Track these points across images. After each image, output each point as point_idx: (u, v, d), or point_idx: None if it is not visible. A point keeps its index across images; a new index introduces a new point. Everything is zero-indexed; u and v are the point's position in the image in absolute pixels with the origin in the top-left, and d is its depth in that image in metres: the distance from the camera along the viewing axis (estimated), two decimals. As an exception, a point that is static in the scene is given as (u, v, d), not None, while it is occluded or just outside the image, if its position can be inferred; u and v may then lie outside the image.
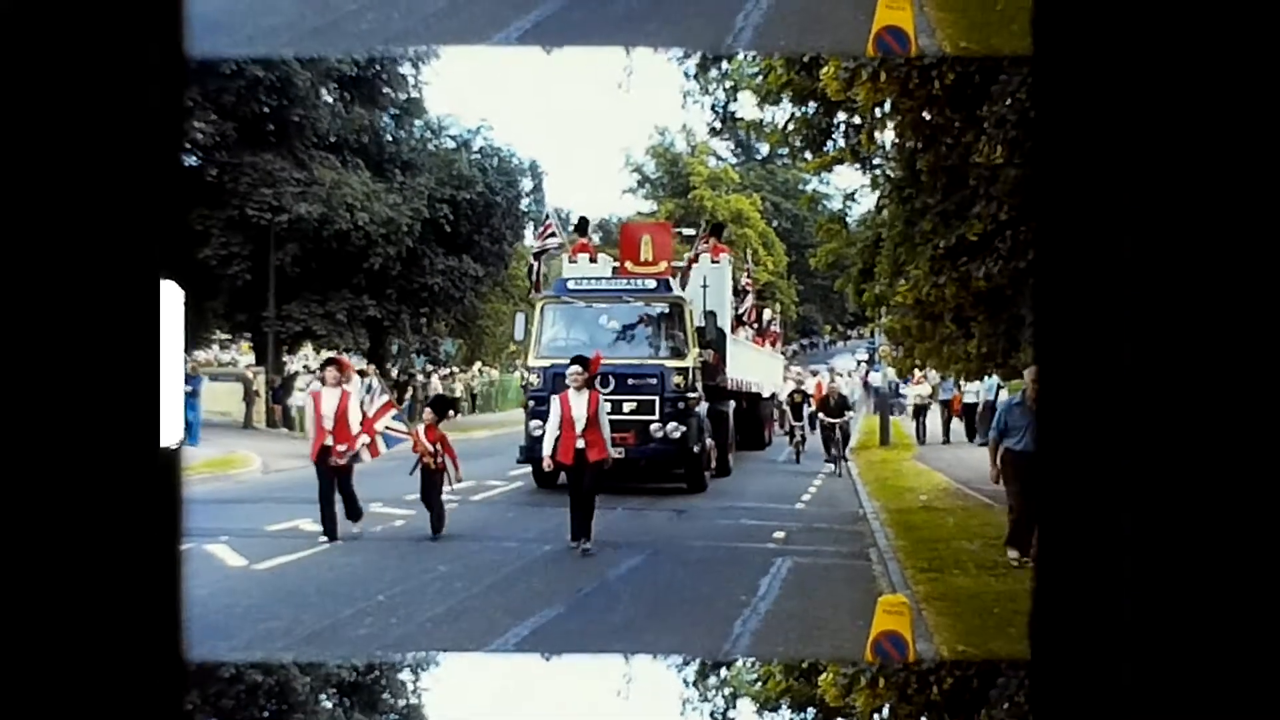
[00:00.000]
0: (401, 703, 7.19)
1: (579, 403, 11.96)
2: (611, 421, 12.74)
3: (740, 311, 23.07)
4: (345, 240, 27.25)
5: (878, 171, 15.82)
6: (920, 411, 25.85)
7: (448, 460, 12.57)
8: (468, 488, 16.01)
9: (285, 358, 30.72)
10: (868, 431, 26.57)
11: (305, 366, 27.94)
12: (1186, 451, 2.95)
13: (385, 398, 13.67)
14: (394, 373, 31.84)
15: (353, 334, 29.18)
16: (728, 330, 19.63)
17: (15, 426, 2.89)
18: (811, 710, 6.85)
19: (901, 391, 28.41)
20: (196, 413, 21.14)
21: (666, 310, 17.35)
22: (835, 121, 14.49)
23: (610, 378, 15.58)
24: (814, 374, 28.27)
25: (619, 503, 14.75)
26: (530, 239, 27.65)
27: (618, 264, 20.41)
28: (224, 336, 34.78)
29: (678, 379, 16.61)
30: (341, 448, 12.22)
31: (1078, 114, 2.99)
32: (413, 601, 9.55)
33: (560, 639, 8.68)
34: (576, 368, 12.18)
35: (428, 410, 13.40)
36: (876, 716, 6.36)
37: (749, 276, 26.52)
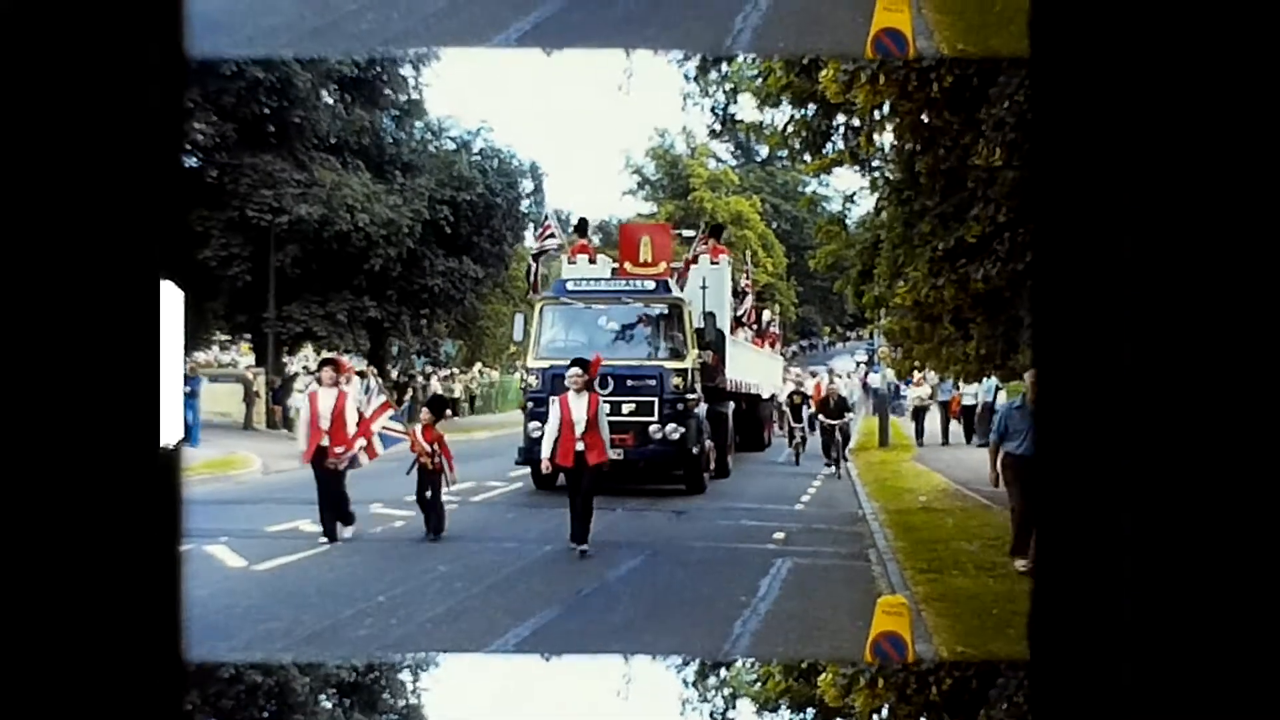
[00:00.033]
0: (401, 703, 7.19)
1: (578, 405, 11.94)
2: (610, 423, 12.72)
3: (739, 313, 23.08)
4: (345, 241, 27.27)
5: (877, 174, 15.82)
6: (919, 413, 25.84)
7: (444, 461, 12.56)
8: (468, 488, 16.02)
9: (285, 359, 30.72)
10: (867, 433, 26.57)
11: (305, 368, 27.92)
12: (1186, 452, 2.95)
13: (382, 398, 13.67)
14: (394, 374, 31.85)
15: (353, 335, 29.18)
16: (727, 331, 19.62)
17: (16, 427, 2.89)
18: (811, 710, 6.85)
19: (903, 393, 28.40)
20: (196, 414, 21.15)
21: (665, 311, 17.33)
22: (834, 124, 14.49)
23: (609, 379, 15.57)
24: (813, 375, 28.26)
25: (618, 504, 14.75)
26: (530, 240, 27.67)
27: (617, 265, 20.41)
28: (224, 337, 34.79)
29: (677, 380, 16.59)
30: (339, 449, 12.21)
31: (1075, 116, 3.00)
32: (413, 602, 9.55)
33: (560, 639, 8.68)
34: (576, 370, 12.16)
35: (425, 410, 13.40)
36: (876, 717, 6.36)
37: (748, 278, 26.54)
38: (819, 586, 10.58)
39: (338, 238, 27.08)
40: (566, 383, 12.29)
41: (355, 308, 28.62)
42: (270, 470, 18.68)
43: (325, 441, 12.21)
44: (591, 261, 20.20)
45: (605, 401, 12.75)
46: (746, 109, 21.93)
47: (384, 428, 12.75)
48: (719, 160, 46.68)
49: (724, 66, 19.73)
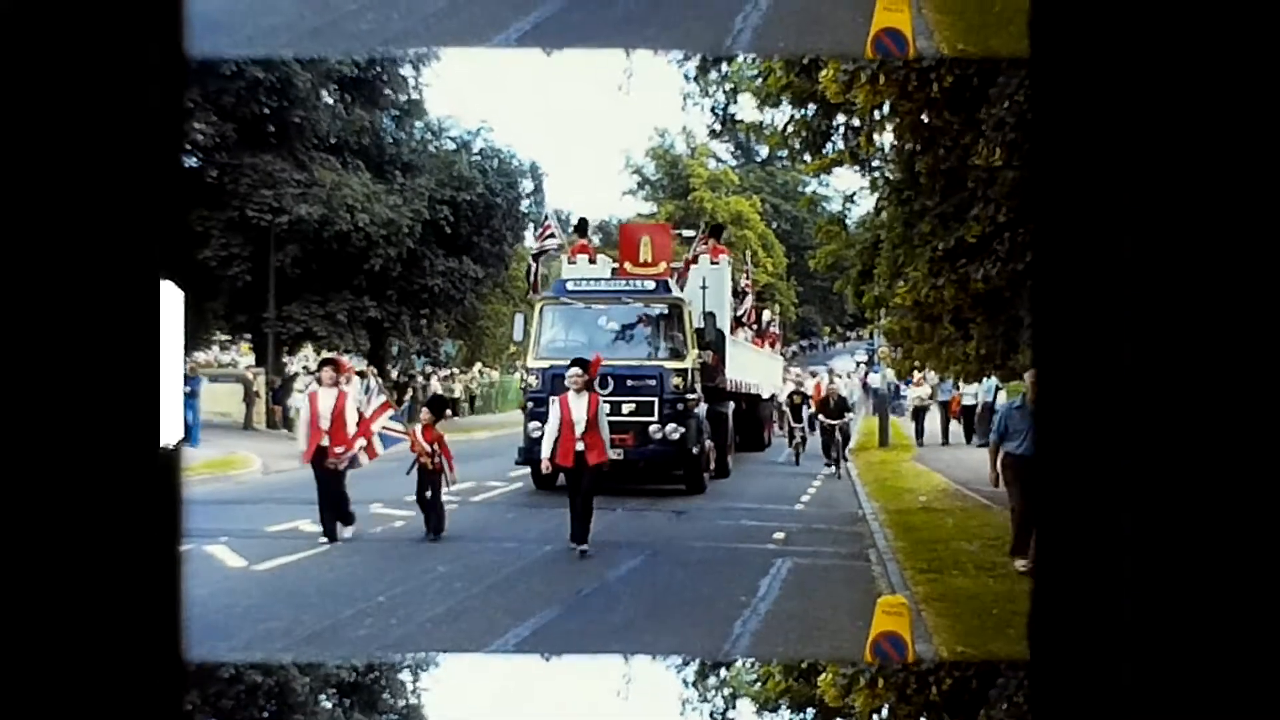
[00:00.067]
0: (401, 703, 7.20)
1: (578, 405, 11.93)
2: (610, 423, 12.70)
3: (739, 313, 23.06)
4: (345, 241, 27.26)
5: (877, 174, 15.81)
6: (919, 413, 25.82)
7: (444, 461, 12.56)
8: (468, 488, 16.02)
9: (285, 359, 30.71)
10: (867, 433, 26.56)
11: (305, 368, 27.91)
12: (1186, 452, 2.95)
13: (382, 398, 13.66)
14: (394, 374, 31.84)
15: (353, 335, 29.18)
16: (727, 331, 19.60)
17: (16, 427, 2.89)
18: (811, 710, 6.85)
19: (903, 393, 28.37)
20: (195, 414, 21.14)
21: (665, 311, 17.30)
22: (834, 124, 14.49)
23: (609, 379, 15.55)
24: (813, 375, 28.24)
25: (618, 504, 14.75)
26: (530, 240, 27.66)
27: (617, 265, 20.40)
28: (224, 337, 34.79)
29: (677, 380, 16.57)
30: (339, 449, 12.20)
31: (1075, 116, 3.00)
32: (412, 602, 9.55)
33: (560, 639, 8.68)
34: (576, 370, 12.15)
35: (424, 411, 13.39)
36: (876, 717, 6.36)
37: (748, 278, 26.53)
38: (819, 586, 10.58)
39: (338, 238, 27.08)
40: (566, 383, 12.28)
41: (355, 308, 28.62)
42: (270, 470, 18.68)
43: (325, 441, 12.20)
44: (591, 261, 20.17)
45: (605, 401, 12.73)
46: (746, 109, 21.95)
47: (384, 428, 12.74)
48: (719, 160, 46.68)
49: (724, 66, 19.73)
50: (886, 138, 13.45)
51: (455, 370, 34.71)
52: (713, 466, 17.68)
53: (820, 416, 20.64)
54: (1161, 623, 2.97)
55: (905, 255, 12.93)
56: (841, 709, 6.49)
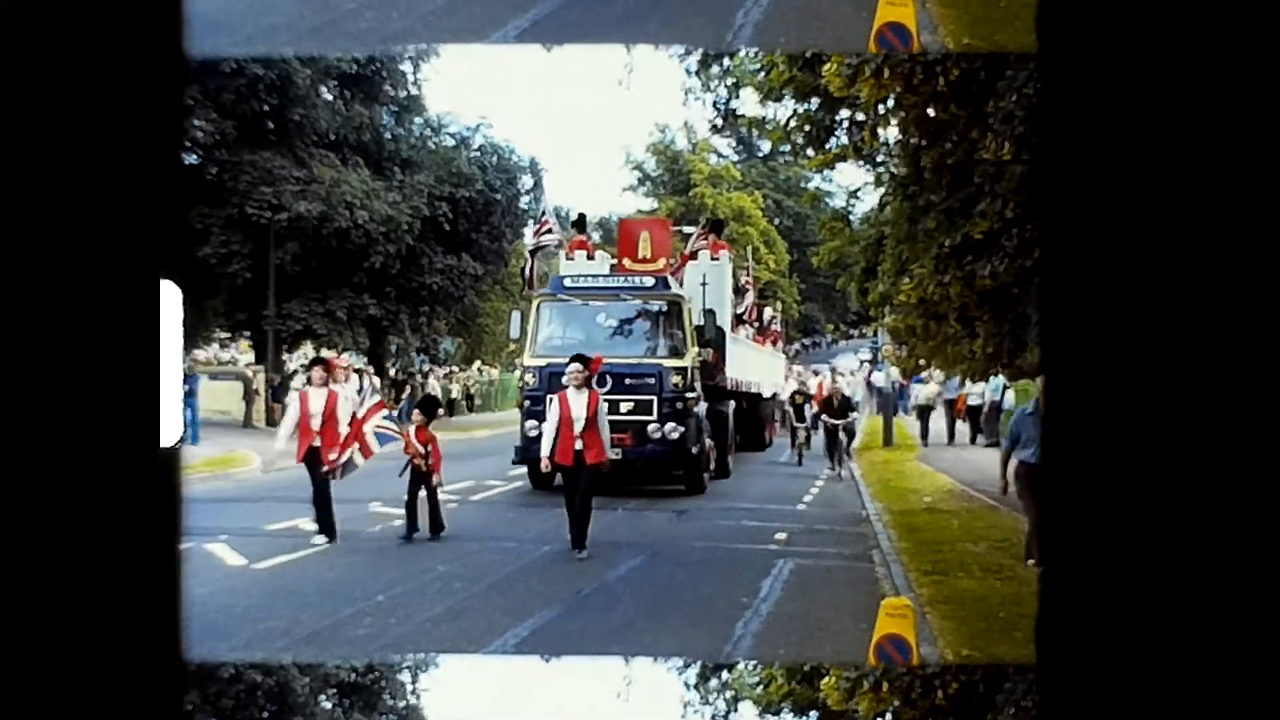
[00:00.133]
0: (401, 703, 7.20)
1: (578, 402, 11.86)
2: (609, 422, 12.64)
3: (740, 310, 22.95)
4: (345, 238, 27.21)
5: (881, 169, 15.79)
6: (924, 412, 25.75)
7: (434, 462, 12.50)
8: (467, 487, 15.99)
9: (285, 356, 30.68)
10: (871, 432, 26.50)
11: (304, 365, 27.88)
12: (1193, 455, 2.92)
13: (377, 398, 13.60)
14: (393, 372, 31.80)
15: (352, 333, 29.12)
16: (727, 329, 19.46)
17: (16, 426, 2.87)
18: (814, 714, 6.84)
19: (910, 390, 28.25)
20: (194, 412, 21.10)
21: (665, 308, 17.16)
22: (838, 118, 14.45)
23: (607, 377, 15.42)
24: (815, 374, 28.16)
25: (618, 504, 14.71)
26: (529, 236, 27.61)
27: (615, 261, 20.33)
28: (224, 335, 34.74)
29: (676, 378, 16.47)
30: (333, 455, 12.14)
31: (1084, 110, 2.97)
32: (412, 602, 9.53)
33: (560, 640, 8.66)
34: (576, 366, 12.08)
35: (416, 412, 13.32)
36: (879, 721, 6.34)
37: (749, 274, 26.45)
38: (821, 588, 10.55)
39: (337, 235, 27.03)
40: (565, 379, 12.22)
41: (355, 305, 28.56)
42: (270, 468, 18.63)
43: (317, 442, 12.14)
44: (590, 257, 20.05)
45: (603, 400, 12.66)
46: (748, 104, 22.00)
47: (378, 427, 12.69)
48: (720, 156, 46.56)
49: (726, 61, 19.71)
50: (891, 132, 13.41)
51: (454, 368, 34.66)
52: (713, 466, 17.56)
53: (824, 416, 20.47)
54: (1168, 627, 2.95)
55: (910, 252, 12.89)
56: (845, 713, 6.46)
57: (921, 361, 16.68)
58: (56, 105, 2.90)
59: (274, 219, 26.49)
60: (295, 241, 27.12)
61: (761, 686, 7.66)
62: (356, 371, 20.79)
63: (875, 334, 31.15)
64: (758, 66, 16.17)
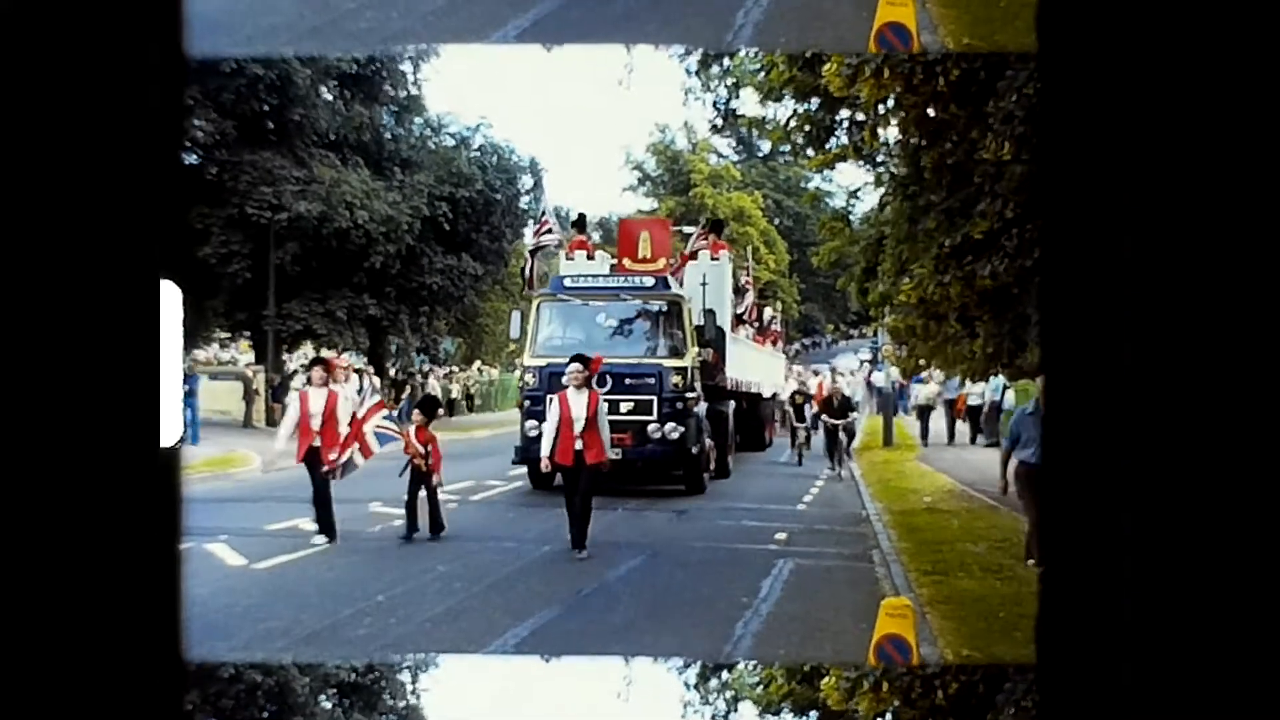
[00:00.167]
0: (401, 703, 7.20)
1: (578, 402, 11.84)
2: (608, 422, 12.60)
3: (740, 310, 22.91)
4: (345, 238, 27.20)
5: (881, 169, 15.78)
6: (924, 412, 25.73)
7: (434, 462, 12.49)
8: (467, 487, 15.99)
9: (285, 356, 30.67)
10: (871, 432, 26.47)
11: (304, 365, 27.85)
12: (1192, 455, 2.92)
13: (376, 398, 13.59)
14: (393, 372, 31.79)
15: (353, 333, 29.11)
16: (727, 329, 19.43)
17: (16, 426, 2.87)
18: (814, 714, 6.84)
19: (912, 390, 28.21)
20: (194, 412, 21.09)
21: (665, 308, 17.11)
22: (838, 118, 14.44)
23: (607, 377, 15.36)
24: (815, 374, 28.13)
25: (618, 504, 14.70)
26: (529, 236, 27.58)
27: (615, 261, 20.30)
28: (224, 335, 34.73)
29: (676, 378, 16.44)
30: (333, 456, 12.13)
31: (1084, 110, 2.97)
32: (412, 602, 9.53)
33: (560, 640, 8.66)
34: (576, 365, 12.06)
35: (416, 412, 13.31)
36: (879, 721, 6.34)
37: (749, 274, 26.43)
38: (821, 588, 10.55)
39: (337, 235, 27.02)
40: (566, 379, 12.20)
41: (355, 305, 28.55)
42: (270, 468, 18.62)
43: (317, 442, 12.13)
44: (590, 257, 20.01)
45: (603, 400, 12.63)
46: (748, 104, 22.00)
47: (378, 427, 12.68)
48: (720, 156, 46.53)
49: (726, 61, 19.69)
50: (891, 132, 13.39)
51: (455, 368, 34.66)
52: (713, 466, 17.51)
53: (824, 416, 20.42)
54: (1169, 627, 2.95)
55: (910, 252, 12.88)
56: (845, 713, 6.46)
57: (921, 361, 16.67)
58: (57, 105, 2.90)
59: (274, 219, 26.48)
60: (295, 241, 27.12)
61: (761, 686, 7.66)
62: (356, 371, 20.78)
63: (875, 334, 31.12)
64: (758, 66, 16.17)
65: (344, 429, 12.26)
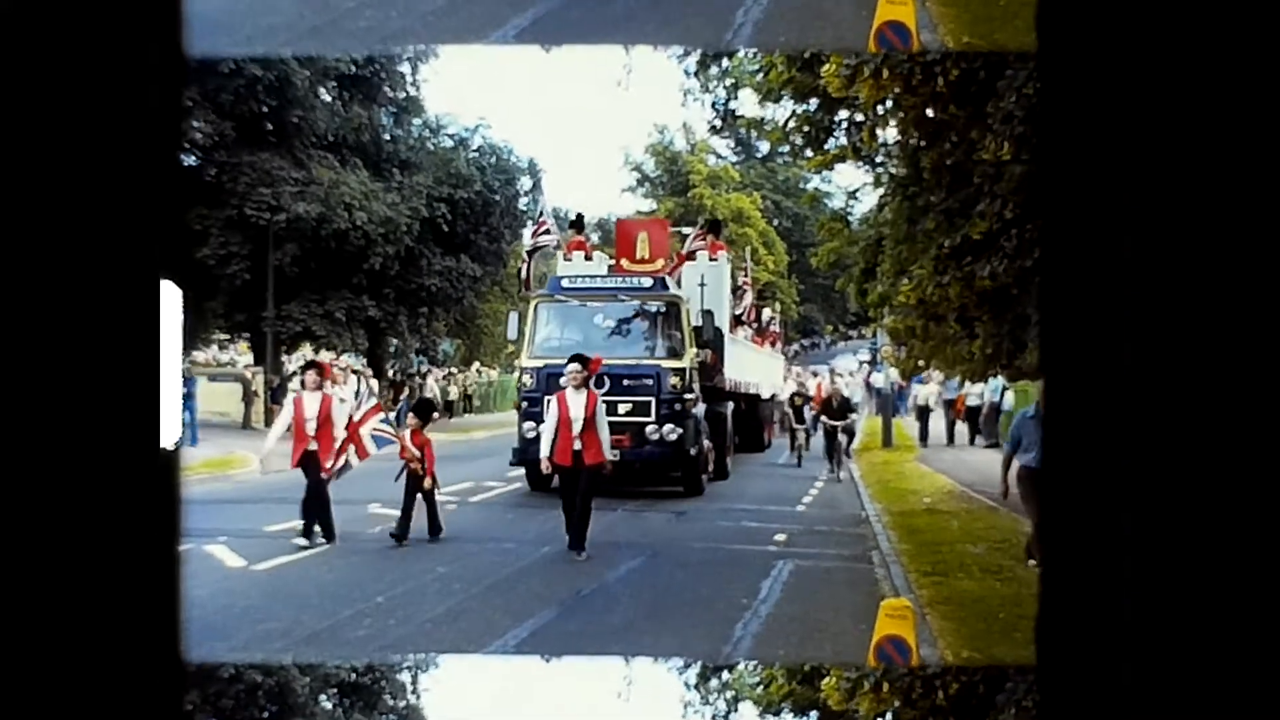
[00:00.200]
0: (401, 704, 7.19)
1: (576, 403, 11.82)
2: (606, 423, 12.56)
3: (739, 311, 22.92)
4: (344, 240, 27.22)
5: (880, 169, 15.79)
6: (923, 413, 25.73)
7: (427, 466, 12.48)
8: (466, 488, 16.00)
9: (284, 358, 30.68)
10: (870, 433, 26.49)
11: (298, 369, 27.83)
12: (1193, 455, 2.92)
13: (374, 400, 13.59)
14: (391, 373, 31.79)
15: (351, 334, 29.12)
16: (726, 330, 19.41)
17: (16, 427, 2.87)
18: (814, 714, 6.83)
19: (911, 390, 28.22)
20: (192, 413, 21.09)
21: (663, 309, 17.08)
22: (837, 119, 14.45)
23: (605, 378, 15.28)
24: (814, 375, 28.14)
25: (618, 505, 14.69)
26: (528, 238, 27.64)
27: (613, 261, 20.28)
28: (223, 336, 34.74)
29: (674, 379, 16.39)
30: (329, 464, 12.12)
31: (1084, 110, 2.96)
32: (412, 603, 9.53)
33: (559, 641, 8.66)
34: (575, 366, 12.03)
35: (411, 415, 13.29)
36: (879, 721, 6.34)
37: (747, 275, 26.45)
38: (821, 589, 10.55)
39: (336, 236, 27.04)
40: (564, 379, 12.19)
41: (354, 307, 28.56)
42: (269, 470, 18.62)
43: (313, 446, 12.12)
44: (588, 258, 20.00)
45: (601, 401, 12.59)
46: (747, 104, 22.02)
47: (374, 430, 12.66)
48: (719, 157, 46.60)
49: (725, 62, 19.71)
50: (890, 133, 13.39)
51: (453, 370, 34.67)
52: (711, 468, 17.47)
53: (823, 418, 20.37)
54: (1169, 627, 2.95)
55: (909, 252, 12.90)
56: (845, 713, 6.46)
57: (921, 362, 16.68)
58: (56, 105, 2.89)
59: (273, 220, 26.50)
60: (294, 243, 27.13)
61: (762, 687, 7.66)
62: (354, 373, 20.78)
63: (874, 335, 31.14)
64: (757, 67, 16.19)
65: (339, 432, 12.25)
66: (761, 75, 15.34)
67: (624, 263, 19.69)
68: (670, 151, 45.46)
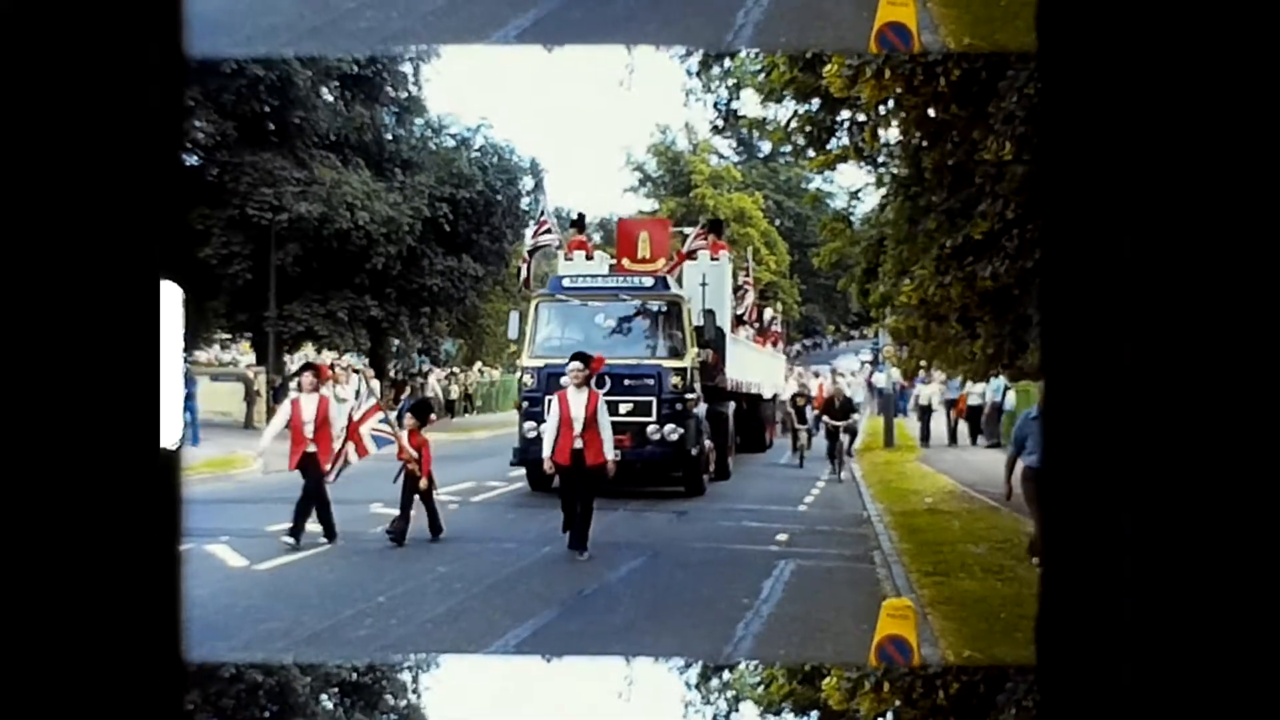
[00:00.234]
0: (402, 704, 7.20)
1: (577, 402, 11.80)
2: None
3: (740, 310, 22.89)
4: (346, 240, 27.22)
5: (882, 169, 15.80)
6: (925, 413, 25.71)
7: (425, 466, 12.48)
8: (468, 488, 16.00)
9: (286, 358, 30.68)
10: (871, 433, 26.47)
11: (295, 371, 27.81)
12: (1193, 455, 2.91)
13: (373, 400, 13.58)
14: (393, 372, 31.79)
15: (353, 334, 29.13)
16: (727, 329, 19.37)
17: (16, 427, 2.87)
18: (815, 714, 6.84)
19: (914, 390, 28.21)
20: (194, 413, 21.09)
21: (664, 308, 17.03)
22: (839, 119, 14.46)
23: (606, 378, 15.20)
24: (816, 375, 28.12)
25: (619, 504, 14.68)
26: (529, 238, 27.66)
27: (614, 261, 20.26)
28: (225, 336, 34.75)
29: (675, 379, 16.36)
30: (328, 466, 12.12)
31: (1085, 110, 2.96)
32: (413, 602, 9.54)
33: (560, 640, 8.66)
34: (577, 364, 12.00)
35: (409, 416, 13.28)
36: (880, 721, 6.34)
37: (748, 274, 26.44)
38: (822, 589, 10.55)
39: (338, 236, 27.04)
40: (565, 378, 12.17)
41: (356, 306, 28.56)
42: (270, 469, 18.62)
43: (311, 448, 12.11)
44: (589, 258, 19.97)
45: (602, 400, 12.55)
46: (749, 104, 22.03)
47: (374, 429, 12.65)
48: (721, 157, 46.58)
49: (726, 62, 19.72)
50: (892, 133, 13.39)
51: (455, 369, 34.67)
52: (712, 468, 17.44)
53: (825, 418, 20.32)
54: (1170, 627, 2.94)
55: (911, 252, 12.90)
56: (846, 713, 6.46)
57: (922, 362, 16.68)
58: (56, 105, 2.89)
59: (275, 220, 26.50)
60: (296, 242, 27.14)
61: (763, 687, 7.66)
62: (355, 372, 20.75)
63: (876, 335, 31.14)
64: (758, 67, 16.20)
65: (338, 434, 12.24)
66: (763, 75, 15.35)
67: (625, 262, 19.66)
68: (672, 151, 45.43)
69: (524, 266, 20.92)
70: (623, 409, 15.66)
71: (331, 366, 18.34)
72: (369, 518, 13.18)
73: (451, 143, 32.14)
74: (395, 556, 11.65)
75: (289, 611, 9.16)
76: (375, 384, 17.65)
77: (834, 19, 9.27)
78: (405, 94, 31.22)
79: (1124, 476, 2.95)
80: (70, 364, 2.89)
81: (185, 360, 21.75)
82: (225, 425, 24.83)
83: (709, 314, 17.92)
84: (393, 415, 13.28)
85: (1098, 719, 3.04)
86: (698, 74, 20.62)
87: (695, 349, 17.02)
